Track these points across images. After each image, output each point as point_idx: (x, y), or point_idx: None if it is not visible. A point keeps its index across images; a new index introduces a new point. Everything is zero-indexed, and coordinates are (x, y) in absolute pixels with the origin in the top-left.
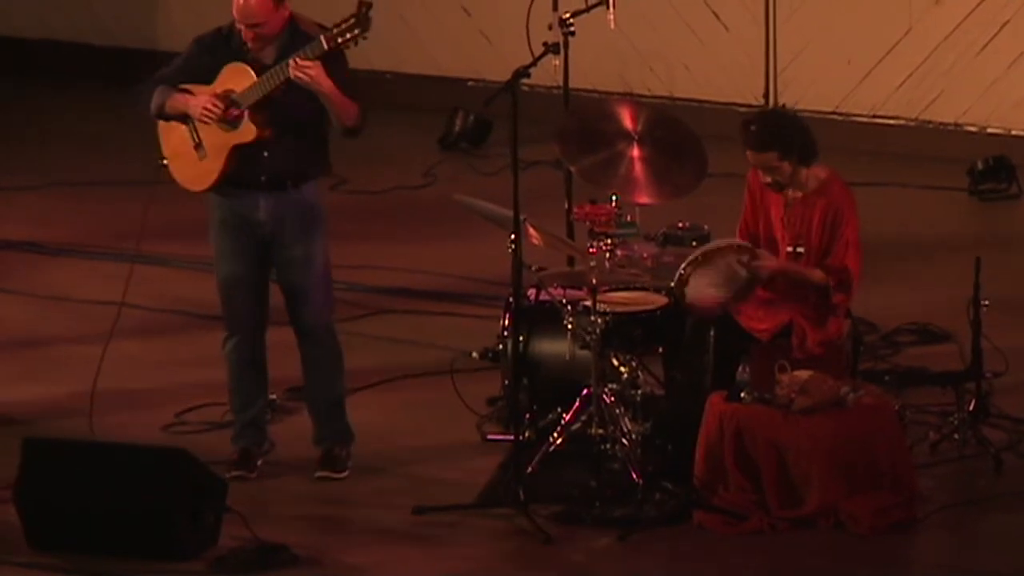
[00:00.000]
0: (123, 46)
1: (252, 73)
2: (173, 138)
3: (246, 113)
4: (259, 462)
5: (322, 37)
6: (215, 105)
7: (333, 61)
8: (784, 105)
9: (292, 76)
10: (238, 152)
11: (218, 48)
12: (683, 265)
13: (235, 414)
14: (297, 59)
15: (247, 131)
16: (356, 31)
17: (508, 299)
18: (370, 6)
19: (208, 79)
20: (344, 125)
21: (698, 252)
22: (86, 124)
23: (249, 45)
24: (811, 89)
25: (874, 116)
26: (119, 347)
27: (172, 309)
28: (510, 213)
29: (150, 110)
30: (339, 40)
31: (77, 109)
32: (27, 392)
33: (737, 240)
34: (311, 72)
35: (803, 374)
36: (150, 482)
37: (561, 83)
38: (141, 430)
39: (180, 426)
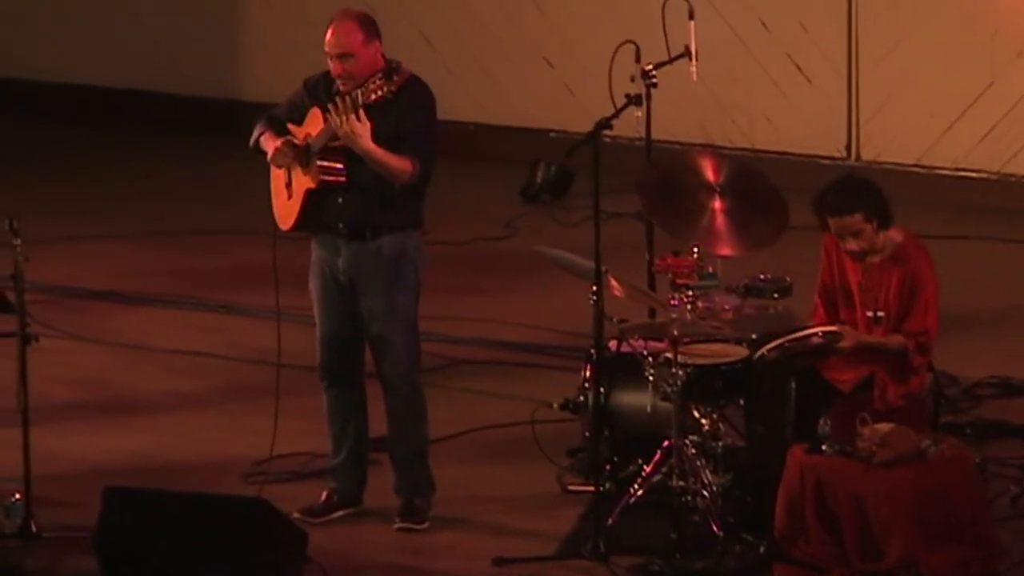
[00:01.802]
0: (206, 96)
1: (322, 119)
2: (276, 176)
3: (315, 158)
4: (337, 513)
5: (359, 91)
6: (280, 150)
7: (399, 112)
8: (861, 163)
9: (335, 128)
10: (313, 197)
11: (317, 90)
12: (767, 347)
13: (329, 458)
14: (336, 107)
15: (314, 177)
16: (384, 88)
17: (589, 350)
18: (399, 64)
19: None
20: (394, 183)
21: (784, 340)
22: (168, 174)
23: (339, 82)
24: (893, 142)
25: (957, 169)
26: (201, 396)
27: (254, 359)
28: (592, 264)
29: (250, 143)
30: (372, 96)
31: (159, 159)
32: (107, 441)
33: (823, 328)
34: (345, 127)
35: (884, 427)
36: (230, 532)
37: (643, 134)
38: (222, 480)
39: (261, 475)
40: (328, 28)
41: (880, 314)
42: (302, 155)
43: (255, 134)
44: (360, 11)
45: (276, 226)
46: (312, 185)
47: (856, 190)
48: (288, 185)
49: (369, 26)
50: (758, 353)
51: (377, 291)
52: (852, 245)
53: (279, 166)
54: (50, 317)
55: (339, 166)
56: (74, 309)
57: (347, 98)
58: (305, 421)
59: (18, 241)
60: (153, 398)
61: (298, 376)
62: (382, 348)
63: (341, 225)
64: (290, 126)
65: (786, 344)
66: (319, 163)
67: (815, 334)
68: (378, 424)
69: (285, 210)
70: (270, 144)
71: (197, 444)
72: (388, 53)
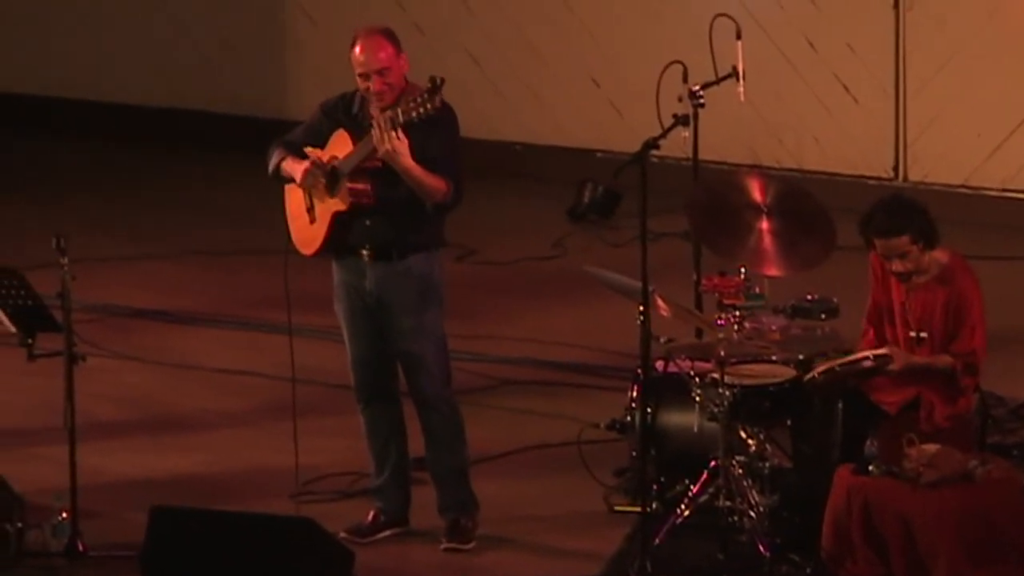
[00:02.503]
0: (253, 115)
1: (351, 141)
2: (293, 201)
3: (345, 181)
4: (384, 533)
5: (399, 109)
6: (309, 172)
7: (425, 135)
8: (909, 183)
9: (377, 146)
10: (340, 219)
11: (338, 112)
12: (818, 371)
13: (372, 478)
14: (379, 125)
15: (343, 199)
16: (427, 105)
17: (636, 370)
18: (443, 81)
19: (326, 144)
20: (427, 201)
21: (835, 363)
22: (215, 193)
23: (380, 96)
24: (941, 162)
25: (1004, 190)
26: (248, 415)
27: (300, 378)
28: (639, 284)
29: (269, 170)
30: (412, 115)
31: (207, 178)
32: (153, 459)
33: (874, 352)
34: (387, 145)
35: (931, 447)
36: (277, 552)
37: (690, 155)
38: (269, 499)
39: (307, 495)
40: (355, 48)
41: (923, 335)
42: (330, 177)
43: (274, 160)
44: (381, 26)
45: (290, 248)
46: (342, 207)
47: (904, 211)
48: (310, 209)
49: (395, 38)
50: (808, 376)
51: (407, 310)
52: (898, 266)
53: (308, 188)
54: (97, 336)
55: (368, 187)
56: (121, 328)
57: (386, 116)
58: (351, 440)
59: (65, 260)
60: (199, 417)
61: (342, 395)
62: (414, 366)
63: (367, 246)
64: (308, 150)
65: (836, 368)
66: (348, 185)
67: (866, 358)
68: (417, 443)
69: (308, 234)
70: (297, 167)
71: (244, 463)
72: (436, 73)
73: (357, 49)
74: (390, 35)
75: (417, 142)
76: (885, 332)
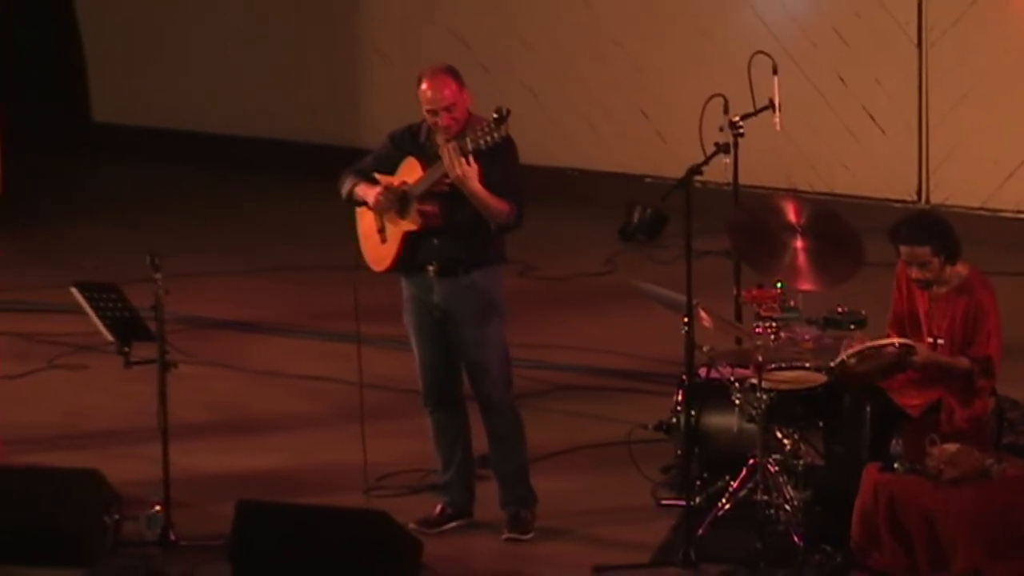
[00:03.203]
0: (330, 144)
1: (420, 167)
2: (364, 222)
3: (415, 204)
4: (450, 525)
5: (468, 138)
6: (382, 196)
7: (490, 161)
8: (931, 206)
9: (448, 171)
10: (410, 239)
11: (405, 142)
12: (848, 354)
13: (439, 475)
14: (450, 152)
15: (414, 220)
16: (491, 135)
17: (681, 376)
18: (509, 112)
19: (395, 171)
20: (492, 222)
21: (864, 347)
22: (295, 215)
23: (447, 130)
24: (960, 187)
25: (1018, 212)
26: (326, 418)
27: (374, 384)
28: (683, 298)
29: (342, 195)
30: (479, 143)
31: (288, 201)
32: (239, 458)
33: (899, 340)
34: (457, 171)
35: (951, 447)
36: (353, 542)
37: (731, 180)
38: (345, 494)
39: (380, 490)
40: (422, 85)
41: (940, 340)
42: (401, 201)
43: (347, 185)
44: (444, 64)
45: (359, 265)
46: (412, 227)
47: (929, 225)
48: (381, 230)
49: (458, 75)
50: (839, 359)
51: (471, 322)
52: (917, 274)
53: (380, 211)
54: (187, 345)
55: (436, 209)
56: (209, 338)
57: (456, 144)
58: (418, 440)
59: (159, 275)
60: (279, 419)
61: (409, 399)
62: (479, 374)
63: (434, 263)
64: (379, 176)
65: (865, 351)
66: (418, 207)
67: (892, 344)
68: (480, 443)
69: (379, 253)
70: (369, 192)
71: (319, 461)
72: (497, 105)
73: (424, 86)
74: (454, 73)
75: (483, 167)
76: (908, 337)
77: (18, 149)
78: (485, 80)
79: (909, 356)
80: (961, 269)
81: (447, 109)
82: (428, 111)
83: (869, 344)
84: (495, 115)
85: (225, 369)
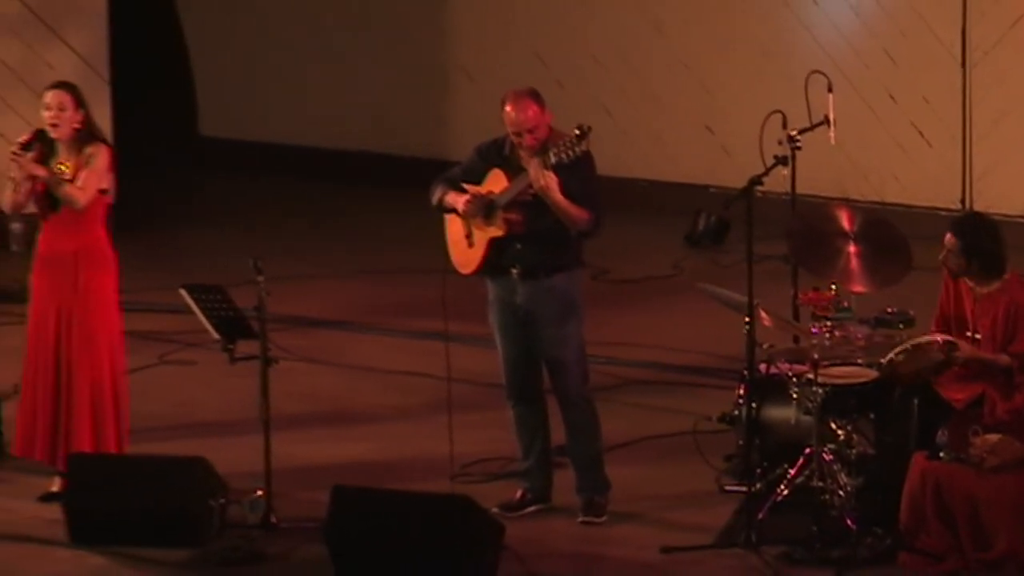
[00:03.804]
0: (418, 156)
1: (505, 178)
2: (453, 228)
3: (500, 211)
4: (530, 509)
5: (551, 152)
6: (470, 204)
7: (570, 173)
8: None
9: (532, 181)
10: (495, 244)
11: (491, 155)
12: (896, 351)
13: (519, 463)
14: (535, 166)
15: (499, 227)
16: (572, 150)
17: (743, 372)
18: (589, 129)
19: (481, 181)
20: (573, 229)
21: (910, 343)
22: (385, 222)
23: (530, 148)
24: (1001, 196)
25: None
26: (415, 410)
27: (460, 379)
28: (745, 299)
29: (433, 203)
30: (561, 157)
31: (379, 210)
32: (335, 447)
33: (943, 337)
34: (542, 182)
35: (993, 437)
36: (439, 524)
37: (789, 189)
38: (432, 480)
39: (465, 476)
40: (506, 107)
41: (978, 336)
42: (487, 208)
43: (437, 194)
44: (527, 88)
45: (451, 270)
46: (498, 233)
47: (973, 224)
48: (468, 236)
49: (539, 98)
50: (888, 356)
51: (552, 322)
52: (946, 259)
53: (468, 218)
54: (287, 343)
55: (520, 217)
56: (308, 336)
57: (540, 158)
58: (500, 430)
59: (261, 278)
60: (374, 412)
61: (492, 393)
62: (558, 370)
63: (517, 267)
64: (467, 186)
65: (911, 347)
66: (503, 215)
67: (936, 340)
68: (558, 433)
69: (466, 257)
70: (458, 200)
71: (411, 450)
72: (573, 121)
73: (508, 108)
74: (535, 96)
75: (564, 179)
76: (952, 336)
77: (131, 162)
78: (561, 96)
79: (952, 352)
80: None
81: (530, 131)
82: (513, 132)
83: (915, 341)
84: (576, 132)
85: (322, 365)
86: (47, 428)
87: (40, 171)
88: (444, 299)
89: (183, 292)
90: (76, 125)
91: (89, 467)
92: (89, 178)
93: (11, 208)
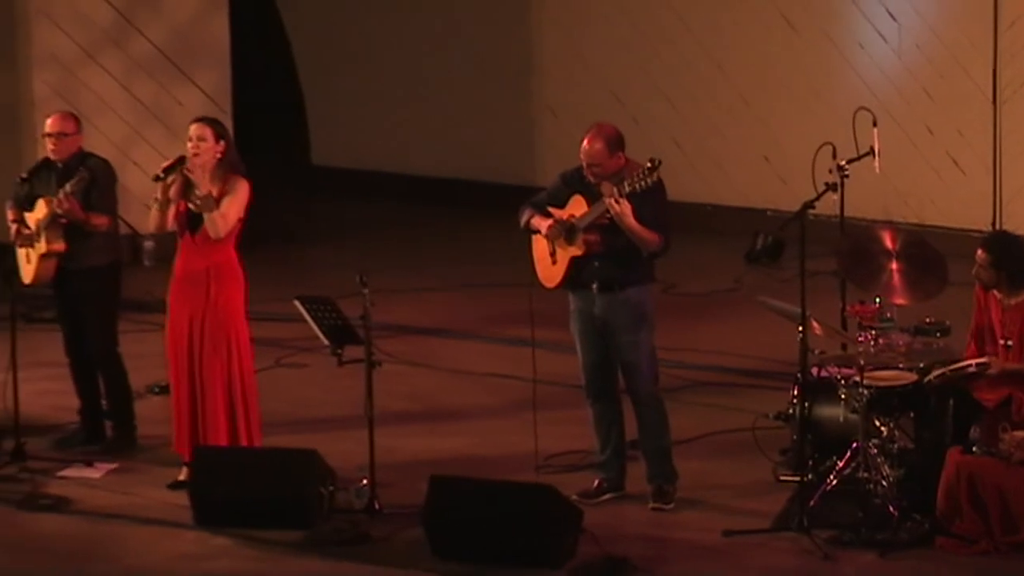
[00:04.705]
0: (507, 183)
1: (585, 203)
2: (538, 247)
3: (580, 233)
4: (606, 496)
5: (625, 182)
6: (553, 227)
7: (642, 200)
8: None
9: (608, 207)
10: (576, 262)
11: (574, 181)
12: (934, 374)
13: (596, 455)
14: (610, 194)
15: (579, 247)
16: (645, 181)
17: (796, 375)
18: (660, 162)
19: (564, 205)
20: (644, 250)
21: (946, 369)
22: (478, 242)
23: (593, 179)
24: None
25: None
26: (504, 408)
27: (545, 381)
28: (799, 310)
29: (520, 224)
30: (635, 186)
31: (472, 229)
32: (432, 441)
33: (976, 360)
34: (616, 208)
35: (1020, 434)
36: (525, 510)
37: (838, 213)
38: (519, 471)
39: (548, 468)
40: (583, 140)
41: (1010, 343)
42: (570, 231)
43: (524, 217)
44: (609, 128)
45: (536, 284)
46: (578, 253)
47: (1005, 241)
48: (552, 254)
49: (613, 141)
50: (927, 379)
51: (626, 330)
52: (976, 270)
53: (551, 239)
54: (389, 348)
55: (598, 238)
56: (408, 342)
57: (616, 187)
58: (579, 427)
59: (366, 291)
60: (467, 409)
61: (573, 393)
62: (631, 372)
63: (595, 282)
64: (551, 209)
65: (947, 373)
66: (583, 236)
67: (970, 365)
68: (631, 429)
69: (550, 272)
70: (543, 223)
71: (501, 444)
72: (647, 152)
73: (584, 141)
74: (609, 140)
75: (637, 205)
76: (985, 344)
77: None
78: (635, 131)
79: (985, 371)
80: None
81: (590, 166)
82: (584, 162)
83: (950, 367)
84: (649, 164)
85: (421, 368)
86: (187, 426)
87: (196, 196)
88: (531, 310)
89: (297, 303)
90: (217, 155)
91: (212, 458)
92: (231, 207)
93: (155, 228)
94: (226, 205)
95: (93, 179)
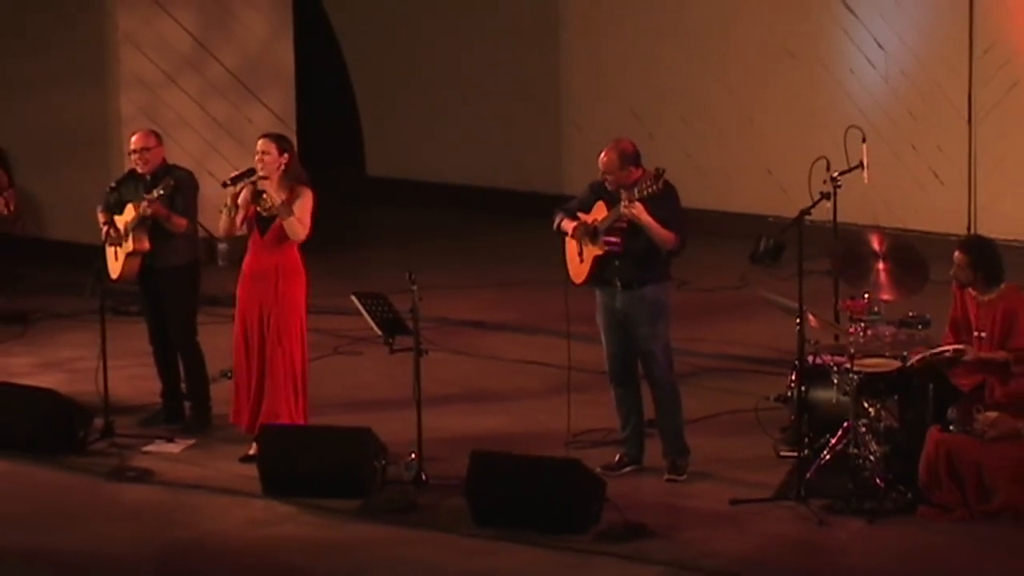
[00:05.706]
0: (538, 191)
1: (606, 208)
2: (570, 247)
3: (601, 235)
4: (626, 469)
5: (635, 188)
6: (577, 229)
7: (657, 204)
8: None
9: (622, 211)
10: (598, 260)
11: (599, 190)
12: (914, 359)
13: (618, 433)
14: (624, 198)
15: (601, 247)
16: (654, 186)
17: (794, 362)
18: (664, 171)
19: (590, 210)
20: (662, 248)
21: (927, 353)
22: (511, 244)
23: (608, 186)
24: (1001, 225)
25: None
26: (538, 391)
27: (575, 367)
28: (797, 305)
29: (553, 227)
30: (644, 192)
31: (511, 232)
32: (473, 421)
33: (955, 346)
34: (631, 210)
35: (992, 414)
36: (555, 481)
37: (832, 219)
38: (550, 447)
39: (576, 444)
40: (603, 151)
41: (983, 335)
42: (592, 233)
43: (556, 220)
44: (626, 143)
45: (569, 280)
46: (600, 252)
47: (980, 244)
48: (580, 253)
49: (626, 155)
50: (909, 362)
51: (644, 323)
52: (954, 270)
53: (577, 240)
54: (436, 338)
55: (618, 240)
56: (452, 333)
57: (629, 193)
58: (604, 408)
59: (415, 287)
60: (504, 393)
61: (599, 379)
62: (649, 360)
63: (617, 279)
64: (580, 214)
65: (927, 356)
66: (605, 238)
67: (947, 350)
68: (649, 409)
69: (578, 270)
70: (570, 226)
71: (534, 424)
72: (662, 163)
73: (602, 155)
74: (623, 154)
75: (653, 208)
76: (961, 336)
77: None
78: (651, 145)
79: (961, 357)
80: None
81: (604, 174)
82: (600, 171)
83: (931, 352)
84: (655, 172)
85: (464, 356)
86: (252, 405)
87: (277, 201)
88: (567, 303)
89: (354, 298)
90: (281, 167)
91: (277, 436)
92: (303, 212)
93: (224, 232)
94: (299, 211)
95: (178, 186)
